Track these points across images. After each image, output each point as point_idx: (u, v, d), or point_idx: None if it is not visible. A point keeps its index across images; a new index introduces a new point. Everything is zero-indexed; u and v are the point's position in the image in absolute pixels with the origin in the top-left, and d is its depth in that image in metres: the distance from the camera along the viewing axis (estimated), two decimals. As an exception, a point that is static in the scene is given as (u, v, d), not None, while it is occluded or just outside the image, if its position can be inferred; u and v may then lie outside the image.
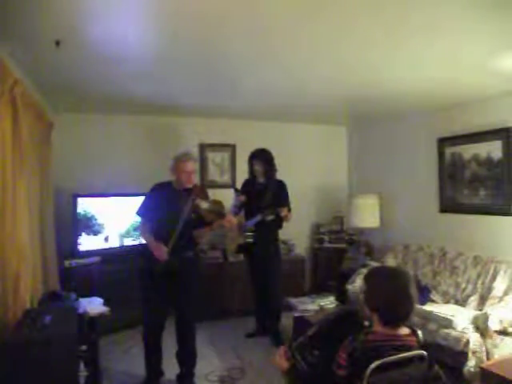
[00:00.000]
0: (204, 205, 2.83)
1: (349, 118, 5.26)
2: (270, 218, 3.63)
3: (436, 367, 1.56)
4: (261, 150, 3.86)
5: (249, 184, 3.98)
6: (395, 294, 1.56)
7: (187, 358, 3.05)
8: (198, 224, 2.94)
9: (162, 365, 3.09)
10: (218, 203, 2.92)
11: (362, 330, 1.61)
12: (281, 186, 3.88)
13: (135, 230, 4.29)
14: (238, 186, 4.27)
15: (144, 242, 3.04)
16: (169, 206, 2.88)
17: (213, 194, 4.80)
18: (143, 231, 3.02)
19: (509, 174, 3.56)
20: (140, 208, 3.02)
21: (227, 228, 3.06)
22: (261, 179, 3.87)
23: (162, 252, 2.79)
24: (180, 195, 2.89)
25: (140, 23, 2.18)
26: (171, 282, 2.89)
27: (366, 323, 1.67)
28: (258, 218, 3.67)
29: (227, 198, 4.24)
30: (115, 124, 4.55)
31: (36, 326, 1.98)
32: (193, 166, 2.98)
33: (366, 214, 4.76)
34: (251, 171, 3.91)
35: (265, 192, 3.80)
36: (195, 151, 4.94)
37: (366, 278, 1.69)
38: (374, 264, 4.10)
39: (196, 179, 3.09)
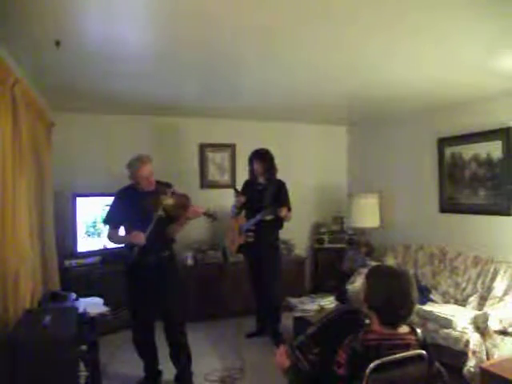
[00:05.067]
0: (169, 201, 2.80)
1: (349, 118, 5.26)
2: (269, 217, 3.63)
3: (437, 365, 1.56)
4: (261, 150, 3.86)
5: (249, 184, 3.98)
6: (396, 294, 1.55)
7: (180, 358, 3.03)
8: (168, 222, 2.89)
9: (161, 365, 3.09)
10: (182, 196, 2.89)
11: (362, 329, 1.61)
12: (281, 185, 3.88)
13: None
14: (239, 186, 4.27)
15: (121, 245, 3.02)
16: (136, 208, 2.82)
17: (213, 194, 4.91)
18: (113, 237, 2.98)
19: (509, 174, 3.56)
20: (106, 216, 2.98)
21: (191, 218, 2.89)
22: (261, 179, 3.87)
23: (140, 236, 2.72)
24: (143, 197, 2.84)
25: (140, 23, 2.18)
26: (152, 281, 2.87)
27: (367, 321, 1.66)
28: (258, 217, 3.68)
29: (227, 198, 4.26)
30: (115, 124, 4.55)
31: (36, 326, 1.98)
32: (148, 169, 2.83)
33: (366, 214, 4.75)
34: (251, 171, 3.91)
35: (265, 192, 3.80)
36: (195, 151, 4.96)
37: (368, 276, 1.68)
38: (374, 264, 4.09)
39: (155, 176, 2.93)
